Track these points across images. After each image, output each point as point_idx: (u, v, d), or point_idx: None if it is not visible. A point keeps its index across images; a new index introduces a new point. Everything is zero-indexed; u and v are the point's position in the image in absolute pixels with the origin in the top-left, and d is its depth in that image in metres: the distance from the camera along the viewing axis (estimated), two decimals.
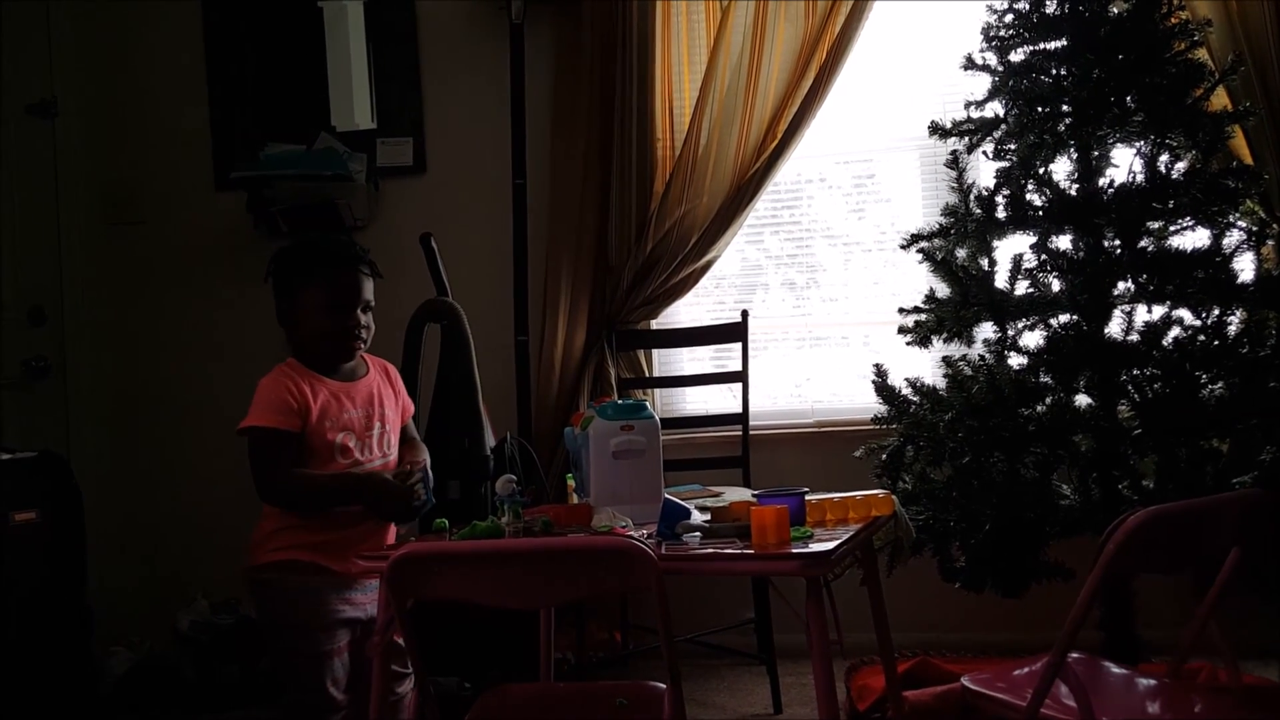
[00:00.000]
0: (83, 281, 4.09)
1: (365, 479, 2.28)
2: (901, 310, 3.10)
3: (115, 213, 4.16)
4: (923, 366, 3.37)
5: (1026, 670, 2.00)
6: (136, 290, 4.15)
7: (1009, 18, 3.01)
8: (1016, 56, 2.99)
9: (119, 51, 4.17)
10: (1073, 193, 2.94)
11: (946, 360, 3.06)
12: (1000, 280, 2.95)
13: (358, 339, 2.34)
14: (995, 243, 3.00)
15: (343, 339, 2.33)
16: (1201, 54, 3.04)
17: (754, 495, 2.14)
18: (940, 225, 3.06)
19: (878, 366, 3.12)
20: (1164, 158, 2.88)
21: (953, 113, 3.15)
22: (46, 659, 3.03)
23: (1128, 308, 2.88)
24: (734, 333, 3.55)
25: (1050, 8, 2.96)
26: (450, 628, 3.03)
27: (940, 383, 3.04)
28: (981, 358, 2.97)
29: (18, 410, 3.94)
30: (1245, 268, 2.90)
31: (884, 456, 3.04)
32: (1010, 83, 2.97)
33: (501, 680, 2.26)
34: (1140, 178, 2.88)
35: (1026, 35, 2.97)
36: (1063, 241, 2.93)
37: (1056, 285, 2.91)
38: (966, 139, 3.06)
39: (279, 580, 2.25)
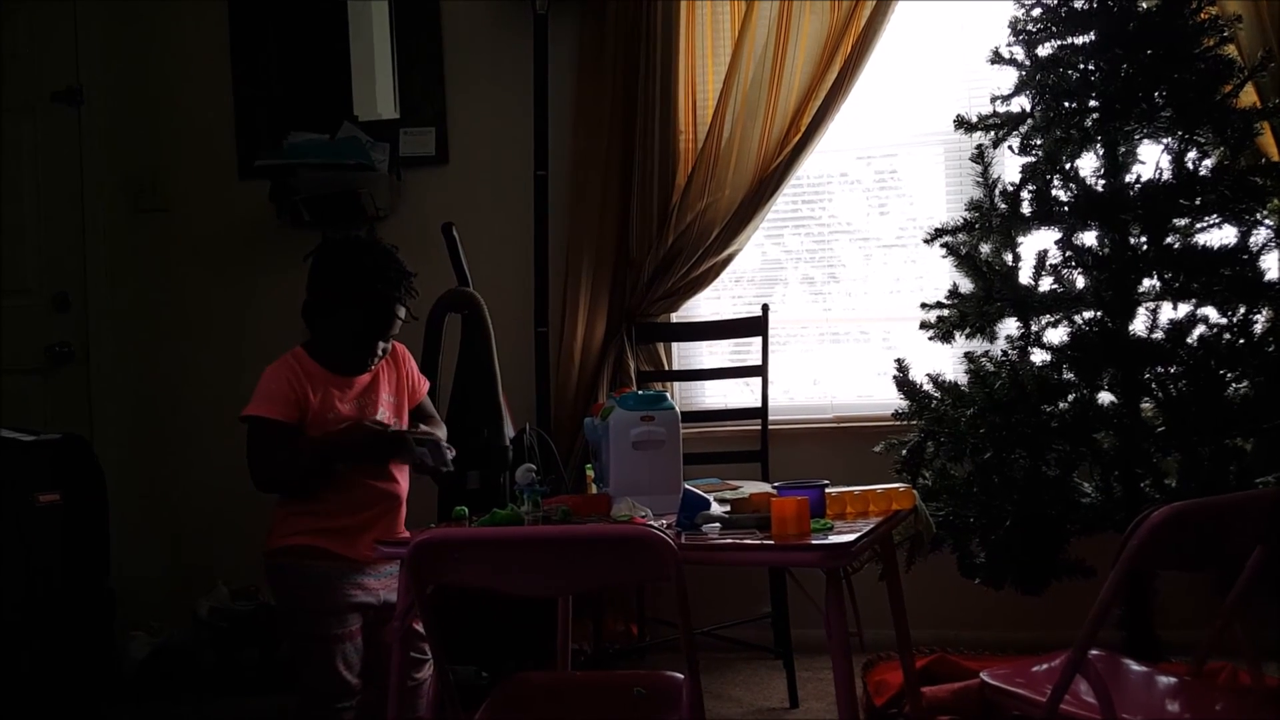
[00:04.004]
0: (106, 268, 4.12)
1: (343, 430, 2.26)
2: (924, 305, 3.09)
3: (139, 200, 4.17)
4: (943, 362, 3.35)
5: (1046, 667, 1.99)
6: (160, 277, 4.17)
7: (1037, 11, 2.99)
8: (1044, 51, 2.97)
9: (145, 40, 4.18)
10: (1099, 188, 2.91)
11: (969, 356, 3.04)
12: (1024, 276, 2.94)
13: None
14: (1020, 238, 2.99)
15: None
16: (1231, 50, 3.01)
17: (774, 487, 2.14)
18: (964, 220, 3.04)
19: (899, 361, 3.10)
20: (1191, 154, 2.86)
21: (978, 107, 3.13)
22: (68, 640, 3.05)
23: (1153, 305, 2.86)
24: (754, 327, 3.54)
25: (1079, 2, 2.94)
26: (468, 617, 3.04)
27: (962, 378, 3.03)
28: (1004, 354, 2.95)
29: (42, 395, 3.99)
30: (1272, 266, 2.88)
31: (904, 452, 3.02)
32: (1037, 77, 2.95)
33: (518, 670, 2.26)
34: (1167, 174, 2.86)
35: (1054, 29, 2.95)
36: (1088, 237, 2.91)
37: (1081, 281, 2.90)
38: (992, 133, 3.04)
39: (291, 565, 2.27)
